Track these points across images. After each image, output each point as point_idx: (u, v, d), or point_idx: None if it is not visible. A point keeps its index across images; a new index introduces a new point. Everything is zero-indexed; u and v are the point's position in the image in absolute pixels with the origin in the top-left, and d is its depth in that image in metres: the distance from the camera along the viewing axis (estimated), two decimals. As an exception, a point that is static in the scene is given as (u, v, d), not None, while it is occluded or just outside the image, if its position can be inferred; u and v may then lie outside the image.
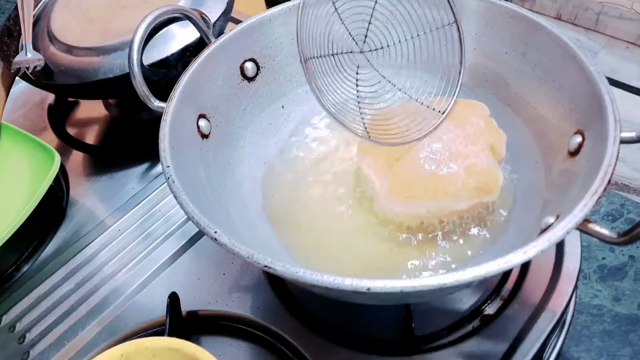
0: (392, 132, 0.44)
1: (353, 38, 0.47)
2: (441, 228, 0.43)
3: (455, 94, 0.46)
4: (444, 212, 0.42)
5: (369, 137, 0.44)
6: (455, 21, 0.46)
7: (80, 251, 0.54)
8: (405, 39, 0.47)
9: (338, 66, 0.46)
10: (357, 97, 0.47)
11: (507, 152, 0.47)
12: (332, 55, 0.46)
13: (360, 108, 0.46)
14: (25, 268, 0.54)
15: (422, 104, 0.46)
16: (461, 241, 0.43)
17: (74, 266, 0.53)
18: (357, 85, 0.47)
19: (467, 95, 0.51)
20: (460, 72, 0.47)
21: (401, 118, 0.45)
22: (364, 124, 0.45)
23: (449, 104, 0.46)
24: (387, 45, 0.48)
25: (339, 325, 0.44)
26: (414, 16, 0.46)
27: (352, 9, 0.46)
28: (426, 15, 0.46)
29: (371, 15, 0.47)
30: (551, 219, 0.35)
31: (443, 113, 0.45)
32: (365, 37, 0.47)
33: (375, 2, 0.46)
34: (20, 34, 0.62)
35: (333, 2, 0.45)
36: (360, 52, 0.47)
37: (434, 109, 0.45)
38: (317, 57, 0.44)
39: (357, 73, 0.47)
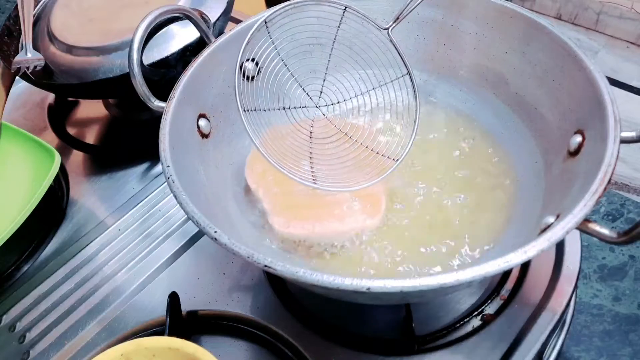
0: (339, 178, 0.44)
1: (307, 94, 0.48)
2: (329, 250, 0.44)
3: (412, 139, 0.46)
4: (328, 232, 0.43)
5: (315, 183, 0.44)
6: (408, 72, 0.47)
7: (80, 251, 0.54)
8: (362, 93, 0.49)
9: (289, 118, 0.47)
10: (310, 146, 0.47)
11: (508, 152, 0.47)
12: (284, 109, 0.46)
13: (310, 155, 0.46)
14: (25, 268, 0.54)
15: (375, 152, 0.46)
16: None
17: (74, 266, 0.53)
18: (310, 137, 0.47)
19: (466, 95, 0.51)
20: (415, 122, 0.47)
21: (350, 166, 0.45)
22: (312, 169, 0.45)
23: (405, 150, 0.46)
24: (344, 100, 0.49)
25: (339, 325, 0.44)
26: (369, 72, 0.48)
27: (305, 67, 0.47)
28: (380, 71, 0.47)
29: (325, 72, 0.48)
30: (551, 219, 0.35)
31: (396, 160, 0.45)
32: (321, 92, 0.48)
33: (329, 61, 0.47)
34: (20, 34, 0.62)
35: (283, 61, 0.46)
36: (316, 107, 0.48)
37: (388, 157, 0.45)
38: (265, 110, 0.45)
39: (311, 126, 0.48)
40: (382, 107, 0.49)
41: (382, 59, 0.47)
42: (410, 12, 0.46)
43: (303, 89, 0.48)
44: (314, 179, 0.44)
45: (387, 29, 0.47)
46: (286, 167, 0.42)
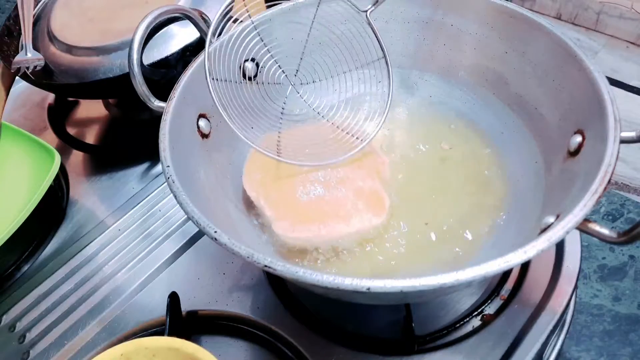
0: (304, 153, 0.45)
1: (283, 71, 0.48)
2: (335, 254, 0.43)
3: (381, 123, 0.47)
4: (334, 235, 0.42)
5: (279, 156, 0.44)
6: (384, 56, 0.48)
7: (80, 251, 0.54)
8: (337, 74, 0.49)
9: (262, 94, 0.47)
10: (281, 118, 0.48)
11: (508, 152, 0.47)
12: (257, 83, 0.47)
13: (280, 126, 0.47)
14: (25, 268, 0.54)
15: (345, 132, 0.47)
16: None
17: (74, 266, 0.53)
18: (282, 111, 0.48)
19: (466, 95, 0.51)
20: (387, 104, 0.48)
21: (316, 141, 0.46)
22: (278, 142, 0.46)
23: (375, 132, 0.47)
24: (319, 80, 0.49)
25: (338, 325, 0.44)
26: (345, 53, 0.48)
27: (284, 45, 0.48)
28: (356, 51, 0.48)
29: (303, 52, 0.48)
30: (551, 219, 0.35)
31: (362, 141, 0.46)
32: (297, 71, 0.49)
33: (306, 42, 0.48)
34: (20, 34, 0.62)
35: (262, 41, 0.47)
36: (292, 85, 0.49)
37: (356, 138, 0.46)
38: (236, 82, 0.45)
39: (284, 103, 0.48)
40: (356, 91, 0.49)
41: (361, 46, 0.48)
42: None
43: (279, 65, 0.48)
44: (278, 151, 0.44)
45: (366, 11, 0.47)
46: (250, 137, 0.42)
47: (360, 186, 0.45)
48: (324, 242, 0.42)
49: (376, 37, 0.47)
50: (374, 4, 0.47)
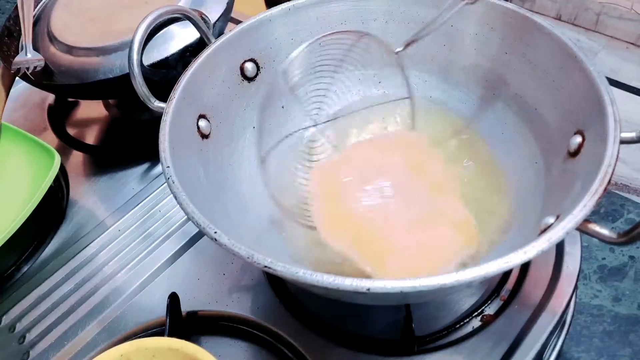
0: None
1: (308, 114, 0.50)
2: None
3: None
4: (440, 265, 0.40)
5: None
6: (409, 97, 0.50)
7: (80, 251, 0.54)
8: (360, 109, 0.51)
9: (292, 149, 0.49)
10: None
11: (508, 153, 0.47)
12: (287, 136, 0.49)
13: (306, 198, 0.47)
14: (25, 268, 0.54)
15: None
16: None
17: (74, 266, 0.53)
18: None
19: (466, 95, 0.51)
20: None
21: None
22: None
23: None
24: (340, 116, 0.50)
25: (339, 325, 0.44)
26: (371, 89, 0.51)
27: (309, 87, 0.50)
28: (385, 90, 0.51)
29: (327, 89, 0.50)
30: (551, 219, 0.35)
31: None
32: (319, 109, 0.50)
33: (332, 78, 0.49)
34: (20, 34, 0.62)
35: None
36: (315, 125, 0.50)
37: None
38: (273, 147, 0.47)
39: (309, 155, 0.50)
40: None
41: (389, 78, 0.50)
42: (418, 40, 0.48)
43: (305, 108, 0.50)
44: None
45: (397, 52, 0.48)
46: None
47: (452, 216, 0.42)
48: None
49: (405, 78, 0.50)
50: (405, 47, 0.48)
